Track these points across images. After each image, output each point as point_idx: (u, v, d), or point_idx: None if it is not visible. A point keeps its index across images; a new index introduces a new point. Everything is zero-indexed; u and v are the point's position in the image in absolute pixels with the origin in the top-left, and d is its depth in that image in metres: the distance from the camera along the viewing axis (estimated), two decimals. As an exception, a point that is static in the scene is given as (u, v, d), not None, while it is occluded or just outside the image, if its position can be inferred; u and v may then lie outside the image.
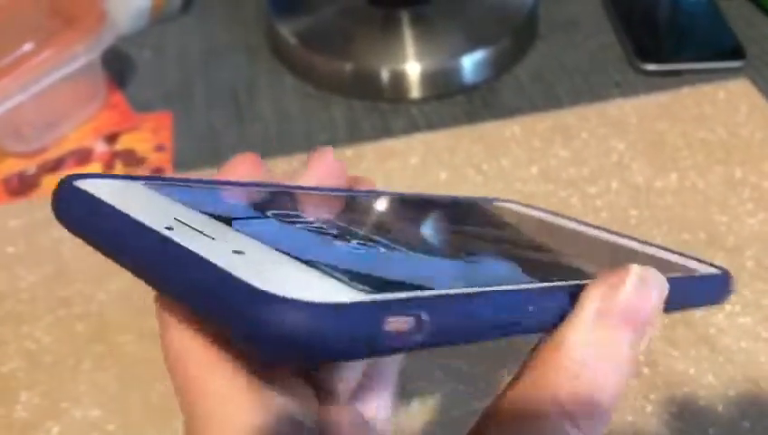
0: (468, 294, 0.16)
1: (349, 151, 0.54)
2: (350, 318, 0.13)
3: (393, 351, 0.14)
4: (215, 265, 0.14)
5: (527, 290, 0.17)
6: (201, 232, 0.17)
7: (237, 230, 0.17)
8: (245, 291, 0.14)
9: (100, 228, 0.17)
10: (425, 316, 0.14)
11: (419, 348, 0.14)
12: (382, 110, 0.59)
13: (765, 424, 0.38)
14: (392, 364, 0.26)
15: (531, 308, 0.17)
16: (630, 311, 0.18)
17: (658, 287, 0.19)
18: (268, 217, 0.20)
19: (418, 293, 0.15)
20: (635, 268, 0.19)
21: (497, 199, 0.30)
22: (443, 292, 0.15)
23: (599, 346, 0.18)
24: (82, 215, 0.17)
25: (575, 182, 0.50)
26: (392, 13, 0.63)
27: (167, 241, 0.15)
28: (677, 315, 0.43)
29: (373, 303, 0.14)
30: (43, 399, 0.41)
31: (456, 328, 0.15)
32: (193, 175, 0.53)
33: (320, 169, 0.26)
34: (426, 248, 0.21)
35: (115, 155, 0.56)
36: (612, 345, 0.18)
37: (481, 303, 0.16)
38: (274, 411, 0.18)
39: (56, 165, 0.56)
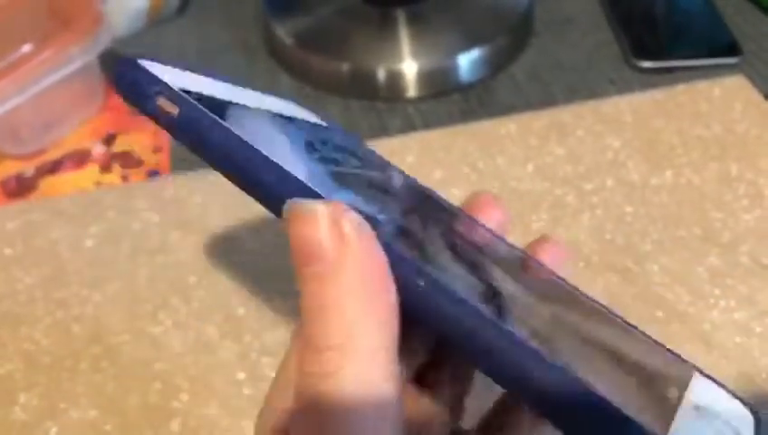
0: (226, 129, 0.20)
1: (345, 151, 0.54)
2: (144, 78, 0.21)
3: (156, 117, 0.20)
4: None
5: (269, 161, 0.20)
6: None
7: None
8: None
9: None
10: (179, 112, 0.20)
11: (175, 133, 0.20)
12: (379, 109, 0.59)
13: (760, 420, 0.38)
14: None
15: (270, 179, 0.19)
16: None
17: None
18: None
19: (198, 104, 0.20)
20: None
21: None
22: (210, 114, 0.20)
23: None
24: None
25: (571, 180, 0.50)
26: (388, 12, 0.63)
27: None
28: (671, 311, 0.43)
29: (160, 80, 0.21)
30: (42, 400, 0.42)
31: (198, 137, 0.20)
32: (191, 173, 0.53)
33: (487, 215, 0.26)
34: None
35: (113, 157, 0.56)
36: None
37: (223, 134, 0.20)
38: None
39: (54, 167, 0.56)
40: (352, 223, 0.19)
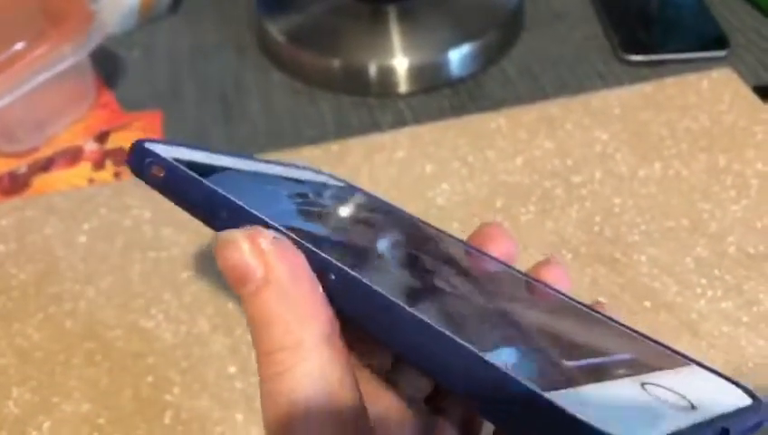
0: (196, 180, 0.24)
1: (335, 147, 0.54)
2: (141, 153, 0.25)
3: (150, 181, 0.24)
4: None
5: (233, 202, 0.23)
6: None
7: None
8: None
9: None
10: (164, 174, 0.24)
11: (163, 191, 0.24)
12: (370, 105, 0.59)
13: (746, 407, 0.39)
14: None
15: (224, 214, 0.23)
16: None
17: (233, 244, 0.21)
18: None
19: (181, 166, 0.24)
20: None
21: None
22: (188, 171, 0.24)
23: None
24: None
25: (559, 173, 0.51)
26: (379, 8, 0.63)
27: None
28: (659, 301, 0.43)
29: (150, 150, 0.25)
30: (35, 394, 0.42)
31: (178, 191, 0.24)
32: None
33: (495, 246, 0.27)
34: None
35: (105, 154, 0.57)
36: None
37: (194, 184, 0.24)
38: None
39: (47, 164, 0.56)
40: (267, 238, 0.21)
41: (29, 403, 0.42)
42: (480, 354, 0.18)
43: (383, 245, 0.27)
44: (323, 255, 0.21)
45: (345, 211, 0.30)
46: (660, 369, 0.21)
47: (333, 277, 0.21)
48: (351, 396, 0.20)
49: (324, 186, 0.32)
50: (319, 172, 0.33)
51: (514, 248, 0.28)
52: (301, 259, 0.21)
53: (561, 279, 0.26)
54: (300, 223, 0.24)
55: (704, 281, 0.44)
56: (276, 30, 0.63)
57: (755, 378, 0.40)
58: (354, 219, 0.30)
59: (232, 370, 0.42)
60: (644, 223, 0.47)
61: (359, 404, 0.20)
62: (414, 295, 0.22)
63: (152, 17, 0.69)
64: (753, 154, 0.51)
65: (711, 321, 0.42)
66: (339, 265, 0.21)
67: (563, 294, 0.26)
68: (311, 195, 0.29)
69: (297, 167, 0.32)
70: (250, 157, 0.30)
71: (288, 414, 0.20)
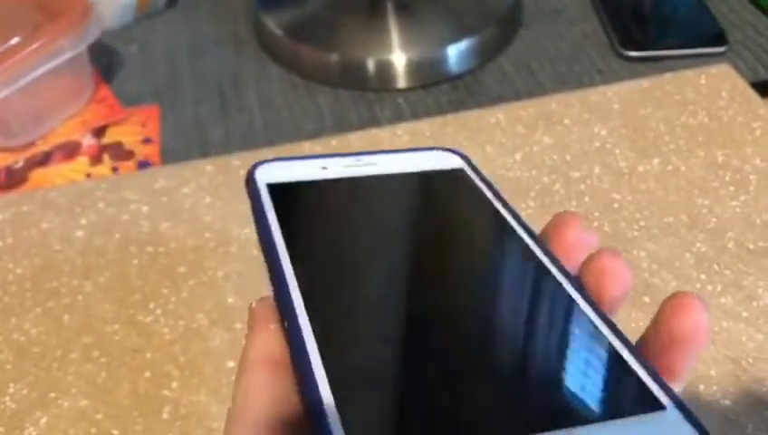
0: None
1: (334, 141, 0.54)
2: (247, 176, 0.26)
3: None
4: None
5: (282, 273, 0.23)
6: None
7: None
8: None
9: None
10: (251, 200, 0.26)
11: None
12: (368, 99, 0.59)
13: (746, 402, 0.39)
14: None
15: (262, 248, 0.24)
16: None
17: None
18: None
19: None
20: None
21: None
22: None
23: None
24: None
25: (558, 168, 0.51)
26: (377, 3, 0.63)
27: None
28: (659, 296, 0.43)
29: (251, 175, 0.26)
30: (32, 390, 0.42)
31: (254, 217, 0.25)
32: (180, 165, 0.53)
33: (562, 239, 0.25)
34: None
35: (103, 148, 0.57)
36: None
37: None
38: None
39: (44, 159, 0.56)
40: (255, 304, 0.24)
41: (26, 399, 0.41)
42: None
43: (394, 268, 0.26)
44: (293, 307, 0.22)
45: (403, 216, 0.28)
46: (607, 419, 0.19)
47: (285, 324, 0.22)
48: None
49: (431, 178, 0.29)
50: (455, 154, 0.30)
51: (585, 235, 0.25)
52: (267, 313, 0.23)
53: (617, 271, 0.24)
54: (326, 249, 0.25)
55: (703, 276, 0.44)
56: (274, 24, 0.63)
57: (755, 373, 0.40)
58: (400, 228, 0.28)
59: (230, 364, 0.42)
60: (643, 218, 0.47)
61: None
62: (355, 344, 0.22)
63: (150, 12, 0.69)
64: (751, 150, 0.51)
65: (710, 316, 0.42)
66: (295, 313, 0.22)
67: (597, 312, 0.23)
68: (393, 200, 0.28)
69: (436, 150, 0.30)
70: (377, 153, 0.29)
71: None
